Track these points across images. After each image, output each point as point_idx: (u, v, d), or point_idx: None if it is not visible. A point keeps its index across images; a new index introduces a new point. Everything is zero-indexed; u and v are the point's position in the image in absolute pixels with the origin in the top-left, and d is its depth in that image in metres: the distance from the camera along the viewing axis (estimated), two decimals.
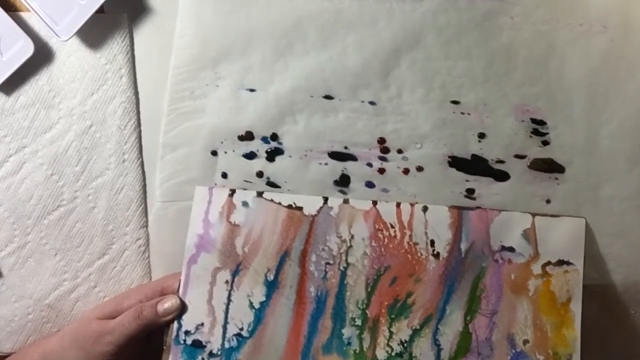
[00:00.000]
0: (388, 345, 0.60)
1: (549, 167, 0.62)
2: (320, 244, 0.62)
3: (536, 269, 0.60)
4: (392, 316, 0.61)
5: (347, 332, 0.61)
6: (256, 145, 0.64)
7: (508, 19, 0.62)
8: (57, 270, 0.66)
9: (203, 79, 0.63)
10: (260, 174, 0.64)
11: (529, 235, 0.61)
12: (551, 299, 0.60)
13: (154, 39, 0.64)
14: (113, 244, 0.66)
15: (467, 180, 0.63)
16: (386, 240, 0.61)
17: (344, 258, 0.61)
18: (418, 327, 0.60)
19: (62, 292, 0.66)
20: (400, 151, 0.63)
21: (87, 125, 0.64)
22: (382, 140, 0.63)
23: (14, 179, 0.65)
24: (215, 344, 0.61)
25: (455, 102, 0.62)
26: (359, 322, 0.61)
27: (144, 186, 0.66)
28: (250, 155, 0.64)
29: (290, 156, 0.63)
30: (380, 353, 0.60)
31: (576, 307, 0.60)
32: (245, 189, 0.63)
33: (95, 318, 0.61)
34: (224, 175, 0.64)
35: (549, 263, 0.60)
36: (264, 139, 0.63)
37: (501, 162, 0.63)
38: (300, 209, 0.62)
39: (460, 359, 0.60)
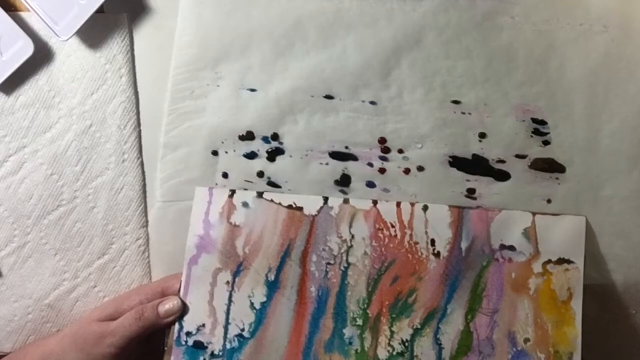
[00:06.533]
0: (389, 344, 0.60)
1: (550, 167, 0.62)
2: (321, 244, 0.62)
3: (537, 267, 0.60)
4: (394, 316, 0.61)
5: (349, 332, 0.61)
6: (257, 146, 0.63)
7: (508, 19, 0.62)
8: (57, 270, 0.66)
9: (203, 79, 0.63)
10: (261, 174, 0.64)
11: (530, 234, 0.61)
12: (552, 297, 0.60)
13: (154, 39, 0.64)
14: (113, 244, 0.66)
15: (468, 180, 0.63)
16: (387, 239, 0.61)
17: (344, 258, 0.61)
18: (419, 327, 0.60)
19: (62, 292, 0.66)
20: (401, 151, 0.63)
21: (87, 125, 0.64)
22: (383, 140, 0.63)
23: (14, 179, 0.65)
24: (216, 345, 0.61)
25: (456, 102, 0.62)
26: (360, 321, 0.61)
27: (144, 186, 0.65)
28: (251, 156, 0.64)
29: (291, 156, 0.63)
30: (382, 352, 0.60)
31: (577, 305, 0.60)
32: (246, 189, 0.63)
33: (95, 320, 0.61)
34: (225, 176, 0.64)
35: (549, 262, 0.60)
36: (265, 139, 0.63)
37: (502, 162, 0.63)
38: (300, 209, 0.62)
39: (461, 358, 0.60)
